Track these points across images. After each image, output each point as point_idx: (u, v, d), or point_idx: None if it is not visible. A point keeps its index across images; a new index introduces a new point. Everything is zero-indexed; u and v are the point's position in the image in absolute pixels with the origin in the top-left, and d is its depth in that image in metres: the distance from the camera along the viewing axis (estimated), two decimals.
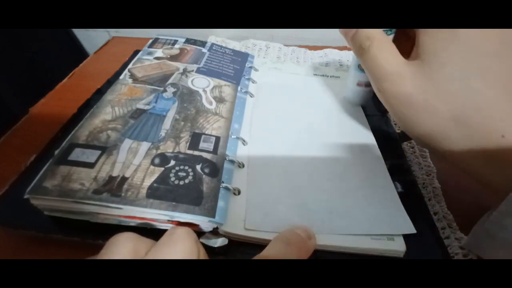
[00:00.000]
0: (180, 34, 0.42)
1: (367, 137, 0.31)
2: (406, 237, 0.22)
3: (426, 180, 0.29)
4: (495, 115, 0.17)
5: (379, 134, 0.32)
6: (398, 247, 0.22)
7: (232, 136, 0.28)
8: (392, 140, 0.32)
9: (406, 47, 0.22)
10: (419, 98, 0.20)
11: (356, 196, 0.25)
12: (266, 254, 0.16)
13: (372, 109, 0.35)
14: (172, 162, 0.24)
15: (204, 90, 0.33)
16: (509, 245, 0.18)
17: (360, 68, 0.30)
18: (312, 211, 0.24)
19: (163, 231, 0.23)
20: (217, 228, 0.22)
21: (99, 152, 0.24)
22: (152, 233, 0.23)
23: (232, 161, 0.26)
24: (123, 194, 0.21)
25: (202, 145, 0.26)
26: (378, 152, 0.29)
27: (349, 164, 0.28)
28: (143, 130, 0.27)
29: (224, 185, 0.24)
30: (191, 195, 0.22)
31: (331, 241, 0.22)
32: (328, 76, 0.40)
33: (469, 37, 0.18)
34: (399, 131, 0.34)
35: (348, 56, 0.49)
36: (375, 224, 0.23)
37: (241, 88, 0.35)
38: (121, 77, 0.34)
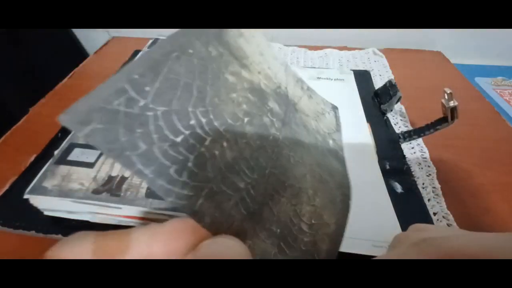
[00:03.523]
0: None
1: (365, 142, 0.30)
2: None
3: (426, 180, 0.29)
4: None
5: (379, 135, 0.32)
6: None
7: None
8: (392, 141, 0.32)
9: None
10: None
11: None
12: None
13: (373, 110, 0.35)
14: None
15: None
16: None
17: None
18: None
19: None
20: None
21: (98, 152, 0.24)
22: None
23: None
24: (122, 194, 0.21)
25: None
26: (375, 156, 0.28)
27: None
28: None
29: None
30: None
31: None
32: (332, 79, 0.40)
33: None
34: (399, 131, 0.34)
35: (348, 56, 0.49)
36: (374, 231, 0.22)
37: None
38: None
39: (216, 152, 0.12)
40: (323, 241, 0.15)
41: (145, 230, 0.11)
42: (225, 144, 0.13)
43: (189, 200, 0.11)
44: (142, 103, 0.11)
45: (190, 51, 0.13)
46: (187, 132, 0.11)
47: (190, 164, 0.11)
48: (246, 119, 0.14)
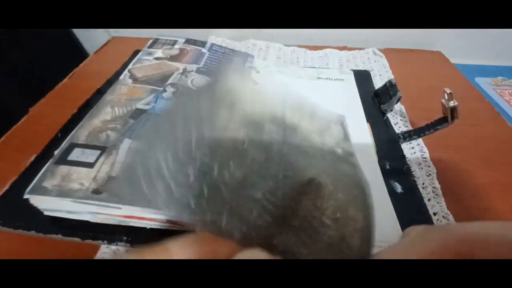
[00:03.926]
0: (180, 34, 0.42)
1: (365, 142, 0.30)
2: None
3: (426, 180, 0.29)
4: None
5: (379, 135, 0.32)
6: None
7: None
8: (392, 141, 0.32)
9: None
10: None
11: None
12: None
13: (373, 110, 0.35)
14: None
15: None
16: None
17: None
18: None
19: (163, 231, 0.23)
20: None
21: (98, 152, 0.24)
22: (152, 233, 0.23)
23: None
24: None
25: None
26: (374, 157, 0.29)
27: None
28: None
29: None
30: None
31: None
32: (332, 79, 0.40)
33: None
34: (399, 131, 0.34)
35: (348, 56, 0.49)
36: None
37: None
38: (121, 77, 0.34)
39: (227, 175, 0.14)
40: (353, 237, 0.15)
41: (179, 242, 0.13)
42: (232, 166, 0.14)
43: (214, 224, 0.12)
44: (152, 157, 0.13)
45: (186, 114, 0.16)
46: (196, 173, 0.13)
47: (206, 195, 0.13)
48: (246, 141, 0.15)
